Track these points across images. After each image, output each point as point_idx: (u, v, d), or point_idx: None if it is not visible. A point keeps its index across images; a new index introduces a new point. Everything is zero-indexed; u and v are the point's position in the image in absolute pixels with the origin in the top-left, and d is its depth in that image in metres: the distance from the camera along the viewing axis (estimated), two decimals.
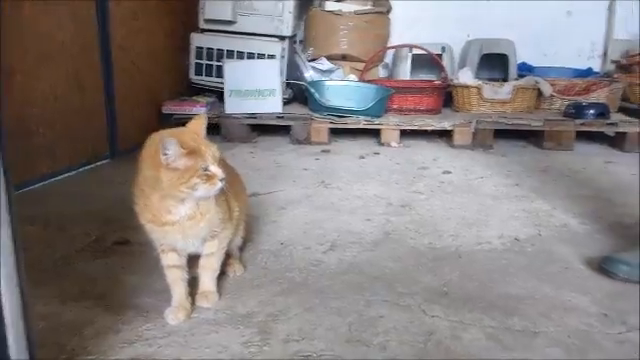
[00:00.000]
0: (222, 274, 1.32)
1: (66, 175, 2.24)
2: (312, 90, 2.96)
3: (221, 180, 1.07)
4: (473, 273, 1.38)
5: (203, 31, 3.24)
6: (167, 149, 1.02)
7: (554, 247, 1.56)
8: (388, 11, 3.64)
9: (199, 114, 1.17)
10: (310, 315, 1.18)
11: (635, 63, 3.33)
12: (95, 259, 1.38)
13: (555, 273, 1.39)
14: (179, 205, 1.09)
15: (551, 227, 1.71)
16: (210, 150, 1.07)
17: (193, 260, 1.22)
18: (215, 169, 1.07)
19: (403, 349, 1.05)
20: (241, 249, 1.43)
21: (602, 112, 2.89)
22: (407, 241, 1.59)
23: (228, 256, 1.35)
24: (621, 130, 2.84)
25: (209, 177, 1.06)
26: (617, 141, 2.88)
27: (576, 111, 2.90)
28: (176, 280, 1.17)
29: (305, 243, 1.57)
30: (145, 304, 1.22)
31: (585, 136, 2.97)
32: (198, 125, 1.13)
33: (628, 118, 2.93)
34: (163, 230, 1.11)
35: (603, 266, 1.37)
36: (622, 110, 3.10)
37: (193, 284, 1.23)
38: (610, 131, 2.92)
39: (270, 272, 1.39)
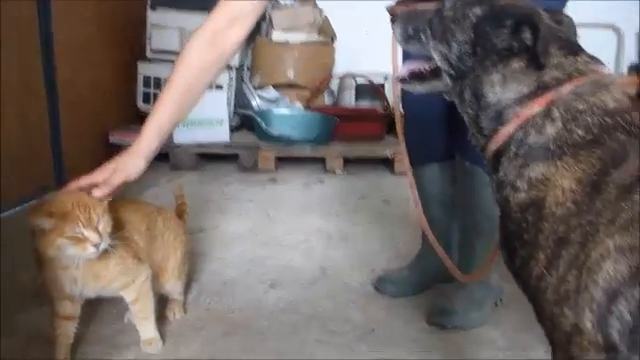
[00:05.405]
0: (164, 317, 1.41)
1: (12, 211, 2.25)
2: (259, 120, 3.06)
3: (95, 245, 1.06)
4: (399, 310, 1.51)
5: (151, 60, 3.29)
6: (34, 219, 1.07)
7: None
8: (332, 40, 3.78)
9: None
10: (250, 357, 1.28)
11: None
12: (41, 306, 1.42)
13: None
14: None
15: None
16: (86, 214, 1.06)
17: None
18: (88, 233, 1.05)
19: None
20: (185, 292, 1.51)
21: None
22: (342, 278, 1.72)
23: (168, 300, 1.44)
24: None
25: (79, 240, 1.05)
26: None
27: None
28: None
29: (247, 282, 1.67)
30: (93, 352, 1.29)
31: None
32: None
33: None
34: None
35: (376, 285, 1.62)
36: None
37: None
38: None
39: (212, 313, 1.48)
